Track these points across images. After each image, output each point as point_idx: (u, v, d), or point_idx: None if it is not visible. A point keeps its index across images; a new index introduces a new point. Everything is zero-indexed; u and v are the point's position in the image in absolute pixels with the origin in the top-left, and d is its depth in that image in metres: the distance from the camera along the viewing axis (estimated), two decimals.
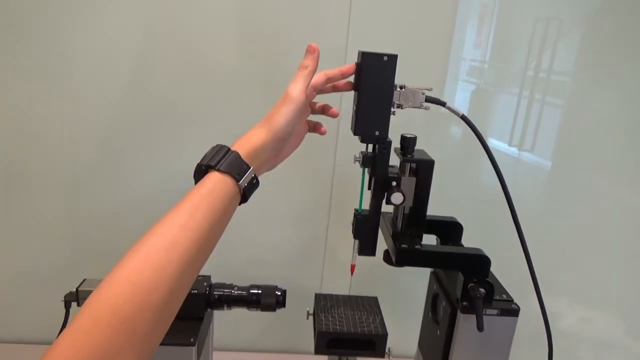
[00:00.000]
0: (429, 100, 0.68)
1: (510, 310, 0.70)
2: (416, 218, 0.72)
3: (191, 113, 0.96)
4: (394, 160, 0.73)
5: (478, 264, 0.69)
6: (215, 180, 0.52)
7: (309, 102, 0.65)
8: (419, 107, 0.68)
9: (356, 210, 0.73)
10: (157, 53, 0.92)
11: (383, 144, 0.68)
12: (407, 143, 0.70)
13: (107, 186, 0.98)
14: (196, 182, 0.53)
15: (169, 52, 0.92)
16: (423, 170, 0.69)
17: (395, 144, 0.71)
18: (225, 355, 1.05)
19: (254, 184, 0.55)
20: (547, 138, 1.04)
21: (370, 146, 0.70)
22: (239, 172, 0.53)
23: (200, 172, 0.53)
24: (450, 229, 0.79)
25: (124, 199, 0.99)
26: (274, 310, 0.76)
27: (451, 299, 0.73)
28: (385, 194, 0.69)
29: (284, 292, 0.76)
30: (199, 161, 0.54)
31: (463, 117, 0.69)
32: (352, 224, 0.74)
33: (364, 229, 0.72)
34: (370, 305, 0.81)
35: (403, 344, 0.96)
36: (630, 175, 1.05)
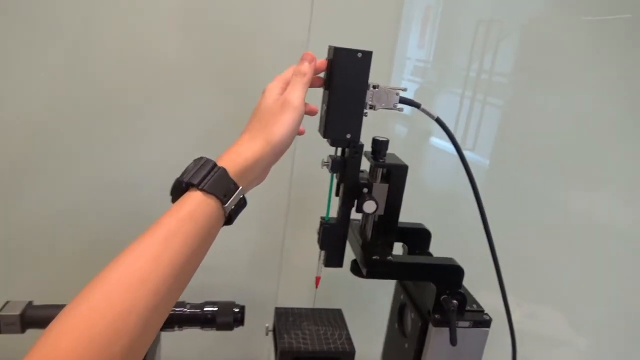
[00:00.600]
0: (403, 101, 0.63)
1: (482, 321, 0.68)
2: (387, 227, 0.67)
3: (134, 109, 0.86)
4: (364, 164, 0.68)
5: (451, 274, 0.66)
6: (197, 202, 0.44)
7: None
8: (392, 109, 0.63)
9: (323, 218, 0.68)
10: (95, 45, 0.81)
11: (354, 147, 0.62)
12: (379, 147, 0.66)
13: (37, 190, 0.86)
14: (174, 201, 0.45)
15: (109, 44, 0.81)
16: (396, 176, 0.65)
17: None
18: None
19: (241, 205, 0.48)
20: (487, 137, 1.05)
21: (340, 149, 0.64)
22: (226, 193, 0.45)
23: (179, 190, 0.45)
24: (417, 237, 0.76)
25: (54, 205, 0.87)
26: (231, 329, 0.69)
27: (421, 311, 0.70)
28: (356, 201, 0.64)
29: (242, 309, 0.70)
30: (178, 176, 0.46)
31: (437, 120, 0.65)
32: (318, 233, 0.68)
33: (332, 239, 0.67)
34: (335, 318, 0.76)
35: (367, 357, 0.93)
36: (563, 174, 1.08)
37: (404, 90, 0.64)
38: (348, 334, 0.72)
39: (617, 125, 1.03)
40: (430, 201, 1.01)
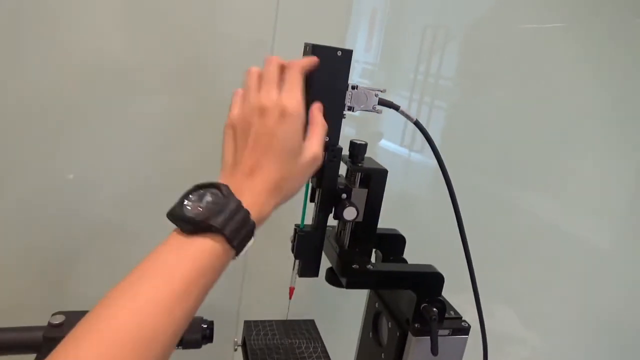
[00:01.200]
0: (382, 103, 0.61)
1: (461, 329, 0.66)
2: (365, 233, 0.64)
3: (78, 110, 0.80)
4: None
5: (431, 282, 0.64)
6: (220, 251, 0.40)
7: None
8: (371, 110, 0.61)
9: (297, 225, 0.64)
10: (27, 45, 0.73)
11: (333, 151, 0.59)
12: (357, 150, 0.63)
13: None
14: (182, 229, 0.40)
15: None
16: (375, 180, 0.62)
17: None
18: None
19: (247, 250, 0.44)
20: (434, 139, 1.06)
21: None
22: (242, 240, 0.41)
23: (200, 228, 0.40)
24: (393, 243, 0.74)
25: None
26: (199, 346, 0.63)
27: (399, 319, 0.67)
28: (334, 207, 0.61)
29: (210, 324, 0.65)
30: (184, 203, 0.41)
31: (416, 123, 0.64)
32: (292, 241, 0.64)
33: (307, 248, 0.63)
34: (308, 330, 0.72)
35: None
36: (509, 174, 1.11)
37: (383, 91, 0.61)
38: (324, 347, 0.68)
39: (555, 126, 1.07)
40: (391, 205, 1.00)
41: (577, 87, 1.06)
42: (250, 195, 0.43)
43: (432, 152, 1.02)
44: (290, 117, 0.46)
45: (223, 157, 0.49)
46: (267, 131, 0.45)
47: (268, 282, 0.93)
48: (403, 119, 0.99)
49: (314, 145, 0.49)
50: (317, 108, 0.52)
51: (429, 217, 1.06)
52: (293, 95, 0.47)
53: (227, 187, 0.42)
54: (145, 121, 0.83)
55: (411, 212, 1.06)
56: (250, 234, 0.42)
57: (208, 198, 0.41)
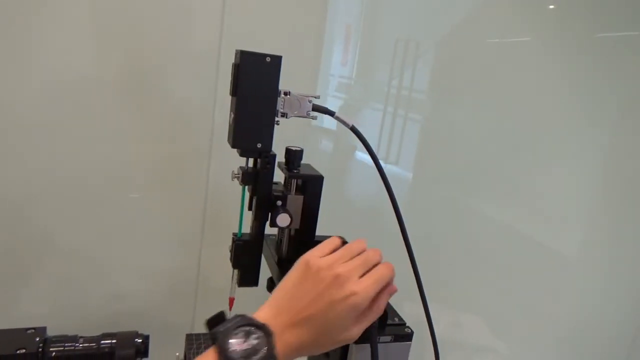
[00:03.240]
0: (317, 109, 0.61)
1: (404, 335, 0.65)
2: (303, 241, 0.64)
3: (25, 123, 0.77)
4: (277, 176, 0.64)
5: None
6: None
7: None
8: (305, 117, 0.61)
9: (235, 234, 0.63)
10: None
11: (266, 158, 0.59)
12: (293, 156, 0.62)
13: None
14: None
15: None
16: (311, 187, 0.62)
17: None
18: None
19: None
20: (409, 151, 1.07)
21: (251, 160, 0.60)
22: None
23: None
24: None
25: None
26: None
27: None
28: (270, 215, 0.60)
29: (145, 339, 0.63)
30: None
31: (352, 129, 0.63)
32: (230, 251, 0.63)
33: (245, 257, 0.62)
34: None
35: None
36: (480, 185, 1.12)
37: (317, 97, 0.61)
38: None
39: (522, 135, 1.09)
40: (356, 214, 1.00)
41: (543, 98, 1.08)
42: (282, 345, 0.44)
43: (408, 164, 1.05)
44: (355, 304, 0.46)
45: (284, 283, 0.49)
46: (330, 300, 0.46)
47: (222, 296, 0.91)
48: (378, 132, 1.02)
49: (354, 330, 0.49)
50: (387, 293, 0.52)
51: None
52: (372, 287, 0.48)
53: (272, 338, 0.43)
54: (94, 133, 0.81)
55: (384, 222, 1.07)
56: None
57: (253, 341, 0.42)
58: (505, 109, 1.07)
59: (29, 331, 0.58)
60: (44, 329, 0.60)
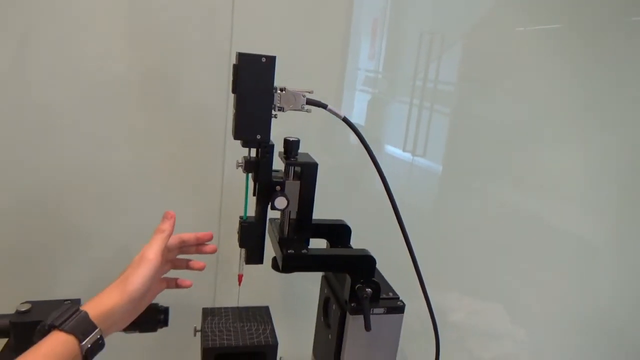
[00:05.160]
0: (310, 102, 0.68)
1: (396, 307, 0.72)
2: (302, 222, 0.71)
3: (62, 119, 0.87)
4: (280, 165, 0.71)
5: (364, 264, 0.69)
6: (57, 341, 0.49)
7: (166, 261, 0.67)
8: (300, 110, 0.67)
9: (241, 217, 0.71)
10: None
11: (265, 148, 0.66)
12: (290, 146, 0.69)
13: None
14: (37, 342, 0.50)
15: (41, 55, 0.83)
16: (307, 173, 0.69)
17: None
18: None
19: (99, 345, 0.53)
20: (438, 143, 1.10)
21: (254, 150, 0.68)
22: (84, 333, 0.51)
23: (43, 332, 0.51)
24: (338, 232, 0.80)
25: None
26: (155, 330, 0.70)
27: (340, 302, 0.73)
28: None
29: (166, 310, 0.71)
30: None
31: (345, 120, 0.70)
32: (238, 232, 0.71)
33: (250, 237, 0.70)
34: (261, 315, 0.78)
35: (300, 352, 0.95)
36: (509, 176, 1.14)
37: (311, 92, 0.68)
38: (272, 329, 0.74)
39: (550, 125, 1.10)
40: (379, 205, 1.05)
41: (576, 86, 1.08)
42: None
43: (437, 156, 1.09)
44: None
45: None
46: None
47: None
48: (404, 124, 1.06)
49: (145, 248, 0.61)
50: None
51: (431, 220, 1.12)
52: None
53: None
54: (110, 131, 0.90)
55: (412, 213, 1.11)
56: (85, 325, 0.52)
57: (54, 312, 0.53)
58: (536, 98, 1.08)
59: (65, 302, 0.67)
60: (78, 300, 0.69)
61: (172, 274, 0.70)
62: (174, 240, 0.67)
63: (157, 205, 0.91)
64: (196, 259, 0.70)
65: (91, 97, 0.87)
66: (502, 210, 1.14)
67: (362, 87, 1.04)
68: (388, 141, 1.08)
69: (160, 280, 0.67)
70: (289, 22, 0.94)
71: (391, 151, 1.08)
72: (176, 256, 0.69)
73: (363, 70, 1.03)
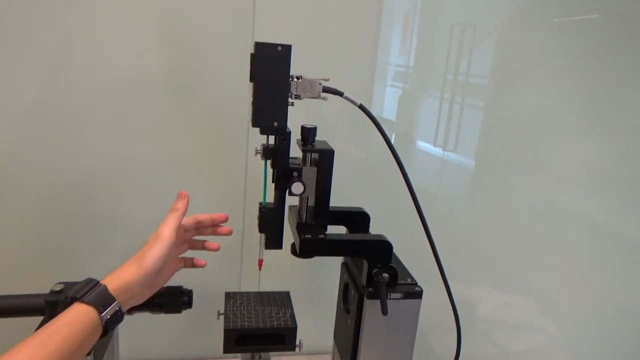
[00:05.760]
0: (327, 90, 0.69)
1: (414, 292, 0.72)
2: (320, 208, 0.72)
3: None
4: (298, 152, 0.73)
5: (380, 249, 0.70)
6: (78, 312, 0.52)
7: (182, 240, 0.70)
8: (316, 97, 0.68)
9: (261, 203, 0.73)
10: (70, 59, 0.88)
11: (282, 135, 0.67)
12: (307, 133, 0.71)
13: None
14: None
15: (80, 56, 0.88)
16: (324, 160, 0.70)
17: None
18: None
19: (118, 317, 0.55)
20: (470, 138, 1.09)
21: (272, 138, 0.69)
22: (104, 305, 0.54)
23: (65, 305, 0.53)
24: (357, 219, 0.81)
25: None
26: (179, 312, 0.73)
27: (358, 287, 0.74)
28: None
29: (190, 292, 0.74)
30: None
31: (361, 107, 0.70)
32: (258, 218, 0.73)
33: (269, 222, 0.72)
34: (282, 299, 0.80)
35: (321, 337, 0.97)
36: (542, 170, 1.12)
37: (327, 80, 0.69)
38: (292, 313, 0.76)
39: (587, 121, 1.08)
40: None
41: (615, 78, 1.05)
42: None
43: (469, 151, 1.09)
44: None
45: None
46: None
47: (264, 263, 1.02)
48: (435, 119, 1.06)
49: (160, 226, 0.63)
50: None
51: (462, 215, 1.12)
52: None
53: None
54: (149, 125, 0.95)
55: (443, 207, 1.11)
56: (105, 297, 0.54)
57: (77, 285, 0.56)
58: (571, 90, 1.05)
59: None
60: None
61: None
62: (190, 220, 0.70)
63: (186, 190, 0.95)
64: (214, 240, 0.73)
65: (123, 93, 0.91)
66: (534, 204, 1.12)
67: (393, 83, 1.04)
68: (419, 137, 1.08)
69: (177, 259, 0.69)
70: (318, 18, 0.95)
71: (422, 147, 1.08)
72: (193, 237, 0.72)
73: (393, 65, 1.03)
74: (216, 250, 0.71)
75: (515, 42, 1.04)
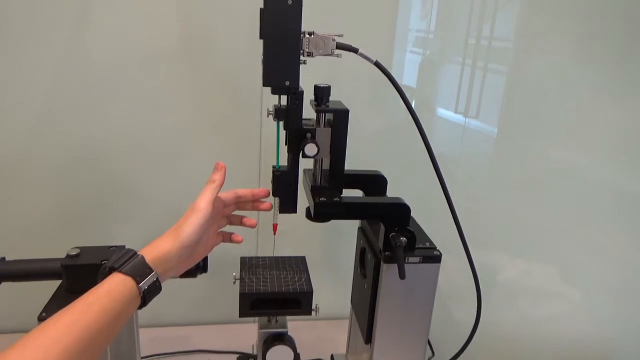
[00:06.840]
0: (340, 47, 0.65)
1: (432, 256, 0.70)
2: (335, 171, 0.69)
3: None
4: (312, 113, 0.70)
5: (398, 212, 0.68)
6: (116, 282, 0.52)
7: (221, 215, 0.69)
8: (330, 55, 0.65)
9: (274, 167, 0.71)
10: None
11: (295, 94, 0.65)
12: (321, 93, 0.68)
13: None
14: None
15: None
16: (338, 120, 0.67)
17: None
18: (156, 332, 1.02)
19: (155, 288, 0.55)
20: (492, 105, 1.06)
21: (285, 99, 0.67)
22: (141, 275, 0.53)
23: (104, 274, 0.53)
24: (373, 183, 0.78)
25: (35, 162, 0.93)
26: (194, 276, 0.72)
27: (375, 251, 0.72)
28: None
29: (204, 257, 0.73)
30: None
31: (376, 64, 0.67)
32: (271, 182, 0.71)
33: (283, 185, 0.70)
34: (297, 264, 0.80)
35: (338, 302, 0.96)
36: (566, 136, 1.08)
37: (341, 36, 0.65)
38: (308, 277, 0.75)
39: (616, 86, 1.02)
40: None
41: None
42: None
43: (492, 118, 1.05)
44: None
45: None
46: None
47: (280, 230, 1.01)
48: (456, 85, 1.03)
49: (197, 198, 0.63)
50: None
51: (485, 182, 1.09)
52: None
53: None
54: (164, 96, 0.94)
55: (463, 175, 1.08)
56: (142, 267, 0.54)
57: (114, 255, 0.56)
58: (599, 53, 1.00)
59: (111, 248, 0.71)
60: (123, 247, 0.73)
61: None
62: (230, 195, 0.69)
63: (203, 162, 0.95)
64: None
65: (143, 64, 0.91)
66: (557, 170, 1.08)
67: (413, 49, 1.01)
68: (439, 103, 1.05)
69: (216, 233, 0.69)
70: None
71: (443, 114, 1.05)
72: (232, 212, 0.71)
73: (414, 31, 1.00)
74: (253, 226, 0.71)
75: (541, 2, 0.98)
